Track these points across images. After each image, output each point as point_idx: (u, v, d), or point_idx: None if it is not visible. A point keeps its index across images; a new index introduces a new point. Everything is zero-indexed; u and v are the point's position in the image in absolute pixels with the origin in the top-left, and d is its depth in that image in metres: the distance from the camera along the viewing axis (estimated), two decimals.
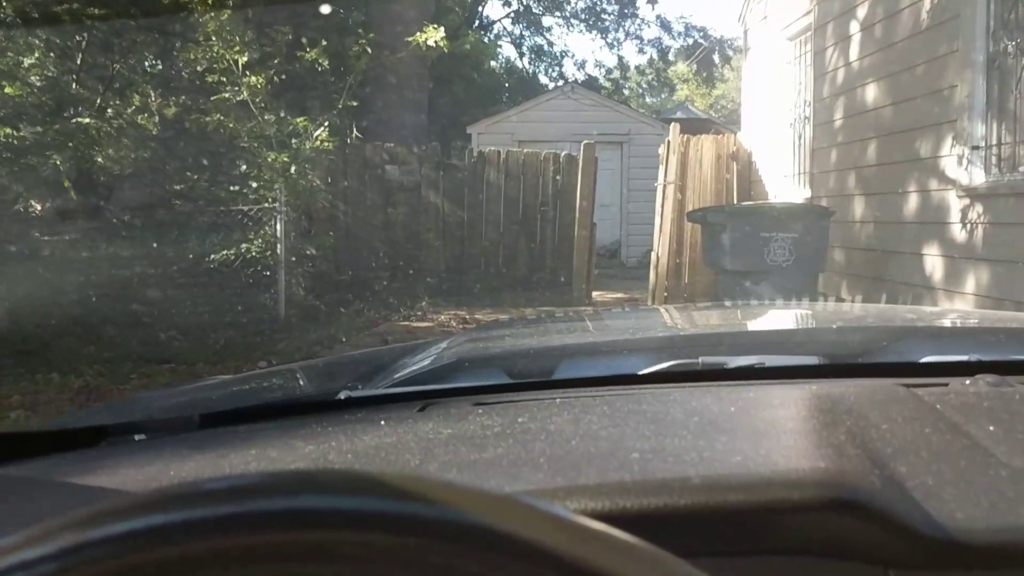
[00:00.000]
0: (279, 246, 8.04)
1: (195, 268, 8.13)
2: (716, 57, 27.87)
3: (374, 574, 0.38)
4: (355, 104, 9.94)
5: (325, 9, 10.09)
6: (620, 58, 29.64)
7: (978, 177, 5.37)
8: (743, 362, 1.19)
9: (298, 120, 8.33)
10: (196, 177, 8.76)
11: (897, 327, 1.50)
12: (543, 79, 23.41)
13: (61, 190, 7.89)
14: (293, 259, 8.42)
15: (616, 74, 26.06)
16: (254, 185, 8.04)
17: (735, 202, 9.06)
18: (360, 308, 8.59)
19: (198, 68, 8.39)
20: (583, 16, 22.99)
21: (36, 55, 9.05)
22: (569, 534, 0.39)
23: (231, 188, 8.28)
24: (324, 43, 9.27)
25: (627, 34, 23.89)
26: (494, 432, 0.84)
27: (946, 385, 0.99)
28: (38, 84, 8.56)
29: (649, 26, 39.08)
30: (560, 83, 20.32)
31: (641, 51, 26.46)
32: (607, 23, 23.19)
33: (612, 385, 1.08)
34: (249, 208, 8.13)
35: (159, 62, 10.73)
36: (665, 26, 25.22)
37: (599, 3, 22.91)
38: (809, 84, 8.19)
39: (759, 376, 1.11)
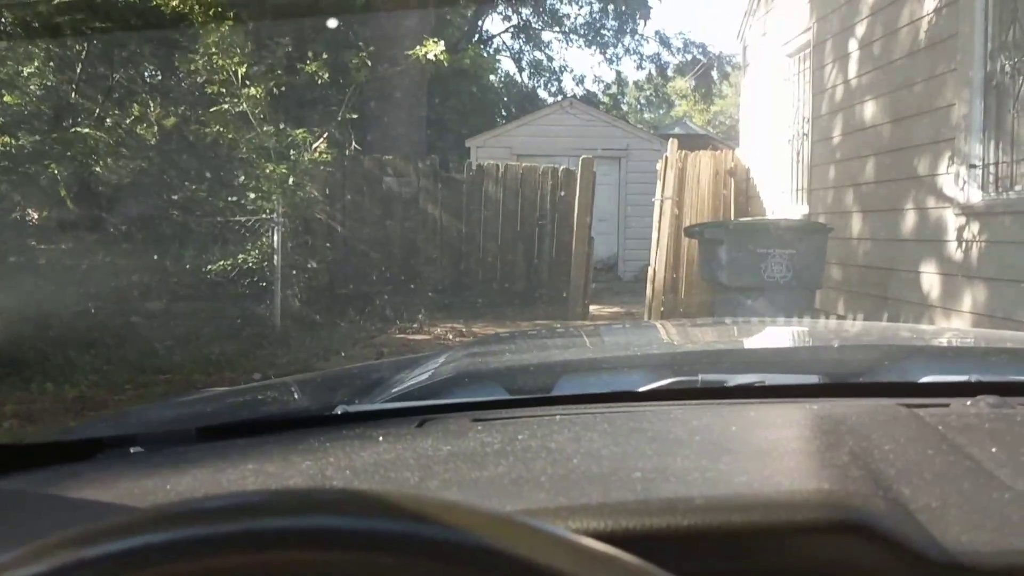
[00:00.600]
0: (276, 257, 8.03)
1: (192, 279, 8.12)
2: (715, 73, 27.99)
3: None
4: (354, 116, 9.96)
5: (332, 23, 10.11)
6: (619, 73, 29.74)
7: (975, 195, 5.39)
8: (743, 380, 1.19)
9: (297, 132, 8.34)
10: (194, 188, 8.76)
11: (897, 346, 1.50)
12: (542, 94, 23.51)
13: (59, 200, 7.88)
14: (291, 271, 8.42)
15: (615, 89, 26.15)
16: (252, 196, 8.04)
17: (732, 218, 9.07)
18: (357, 320, 8.58)
19: (198, 79, 8.40)
20: (582, 31, 23.09)
21: (36, 64, 9.07)
22: (576, 556, 0.38)
23: (229, 199, 8.28)
24: (324, 55, 9.29)
25: (626, 50, 24.00)
26: (494, 449, 0.83)
27: (947, 406, 0.98)
28: (37, 93, 8.57)
29: (648, 42, 39.32)
30: (559, 98, 20.39)
31: (640, 67, 26.54)
32: (606, 38, 23.30)
33: (611, 402, 1.08)
34: (247, 219, 8.13)
35: (159, 73, 10.74)
36: (664, 42, 25.27)
37: (598, 19, 23.01)
38: (808, 101, 8.22)
39: (759, 395, 1.11)
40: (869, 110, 6.83)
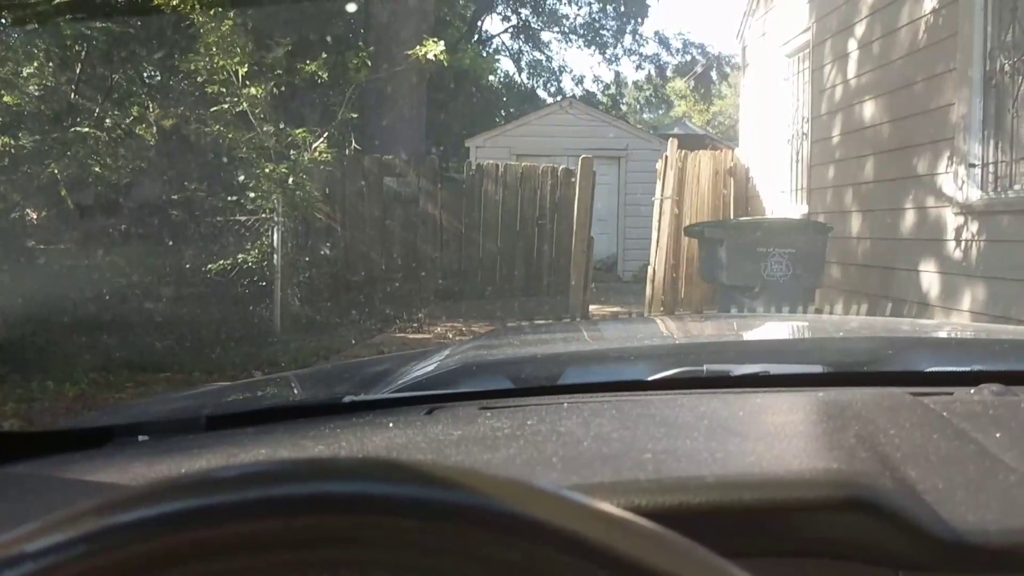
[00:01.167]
0: (276, 257, 8.03)
1: (192, 278, 8.12)
2: (714, 74, 28.00)
3: (408, 562, 0.38)
4: (354, 116, 9.96)
5: (332, 23, 10.09)
6: (618, 74, 29.71)
7: (974, 195, 5.40)
8: (748, 370, 1.19)
9: (297, 131, 8.33)
10: (194, 187, 8.75)
11: (900, 337, 1.51)
12: (541, 94, 23.50)
13: (58, 199, 7.88)
14: (291, 271, 8.41)
15: (614, 90, 26.15)
16: (252, 196, 8.04)
17: (732, 217, 9.08)
18: (357, 320, 8.58)
19: (198, 79, 8.38)
20: (581, 32, 23.09)
21: (35, 64, 9.06)
22: (604, 524, 0.39)
23: (229, 199, 8.28)
24: (324, 55, 9.29)
25: (625, 50, 24.01)
26: (504, 434, 0.84)
27: (951, 394, 0.99)
28: (37, 93, 8.56)
29: (647, 42, 39.27)
30: (558, 98, 20.38)
31: (639, 67, 26.52)
32: (605, 39, 23.30)
33: (618, 391, 1.08)
34: (247, 219, 8.13)
35: (158, 72, 10.74)
36: (663, 42, 25.31)
37: (597, 19, 23.02)
38: (807, 100, 8.23)
39: (764, 384, 1.12)
40: (868, 110, 6.84)
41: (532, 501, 0.39)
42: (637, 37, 23.88)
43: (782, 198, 8.87)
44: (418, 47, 9.42)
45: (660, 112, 29.36)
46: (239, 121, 8.16)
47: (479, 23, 21.37)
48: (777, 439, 0.79)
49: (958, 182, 5.50)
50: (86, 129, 8.32)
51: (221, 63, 7.89)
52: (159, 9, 8.06)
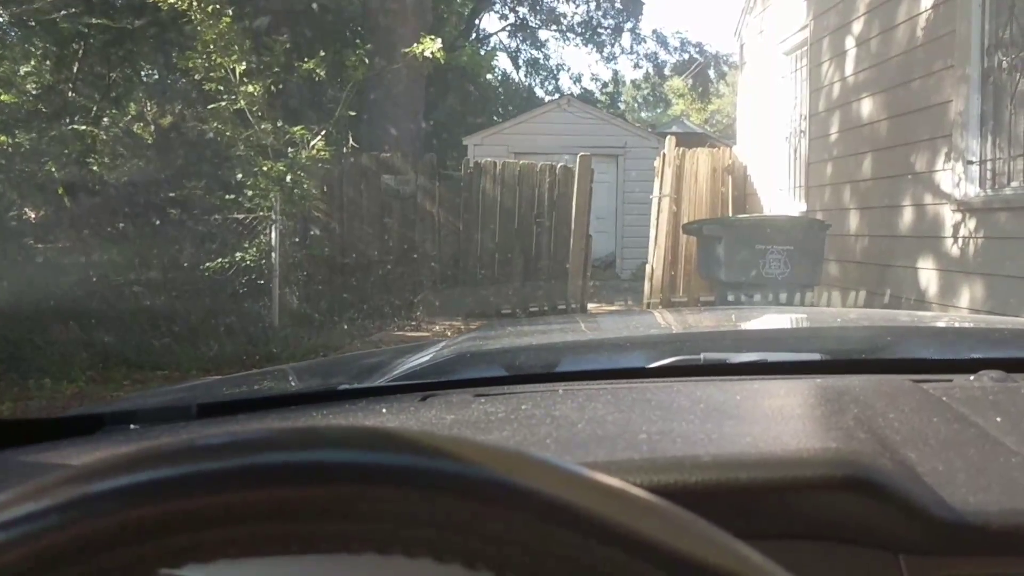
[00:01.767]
0: (274, 255, 8.02)
1: (190, 276, 8.10)
2: (711, 72, 28.00)
3: (402, 535, 0.37)
4: (352, 114, 9.94)
5: (330, 22, 10.08)
6: (615, 72, 29.73)
7: (972, 191, 5.40)
8: (746, 358, 1.19)
9: (295, 129, 8.32)
10: (192, 185, 8.74)
11: (899, 326, 1.50)
12: (539, 92, 23.51)
13: (56, 197, 7.87)
14: (289, 268, 8.40)
15: (612, 88, 26.15)
16: (250, 194, 8.02)
17: (730, 215, 9.08)
18: (355, 317, 8.57)
19: (195, 76, 8.37)
20: (579, 30, 23.10)
21: (33, 62, 9.06)
22: (596, 493, 0.38)
23: (227, 197, 8.27)
24: (322, 53, 9.27)
25: (623, 48, 24.04)
26: (498, 418, 0.83)
27: (950, 381, 0.98)
28: (34, 91, 8.55)
29: (645, 41, 39.29)
30: (556, 96, 20.38)
31: (637, 65, 26.54)
32: (603, 37, 23.31)
33: (614, 379, 1.07)
34: (244, 217, 8.11)
35: (156, 71, 10.72)
36: (661, 41, 25.33)
37: (595, 17, 23.03)
38: (805, 98, 8.23)
39: (762, 371, 1.11)
40: (866, 107, 6.84)
41: (522, 469, 0.38)
42: (635, 36, 23.93)
43: (780, 195, 8.87)
44: (416, 45, 9.41)
45: (658, 110, 29.39)
46: (237, 119, 8.15)
47: (477, 21, 21.36)
48: (774, 421, 0.78)
49: (956, 179, 5.50)
50: (84, 127, 8.32)
51: (219, 61, 7.87)
52: (157, 7, 8.06)
